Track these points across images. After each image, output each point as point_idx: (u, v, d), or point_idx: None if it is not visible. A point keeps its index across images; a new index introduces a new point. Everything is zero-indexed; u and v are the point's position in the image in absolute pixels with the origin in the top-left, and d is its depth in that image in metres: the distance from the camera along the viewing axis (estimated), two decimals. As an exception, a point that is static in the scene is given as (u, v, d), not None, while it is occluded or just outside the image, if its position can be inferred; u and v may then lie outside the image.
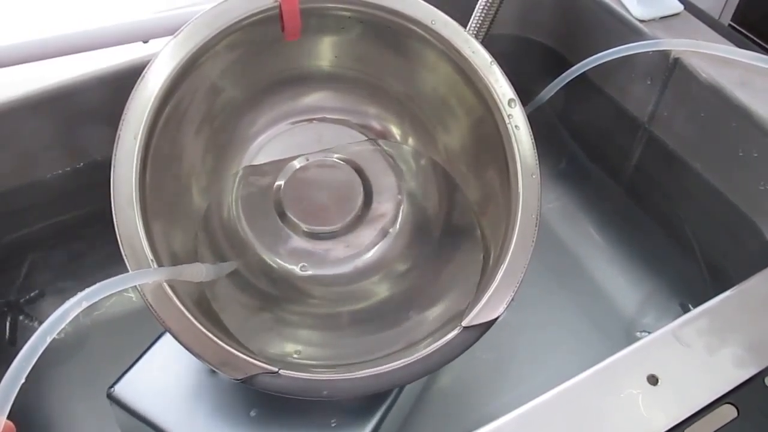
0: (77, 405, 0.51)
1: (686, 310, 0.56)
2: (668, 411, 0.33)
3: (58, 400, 0.51)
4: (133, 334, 0.43)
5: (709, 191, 0.50)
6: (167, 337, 0.40)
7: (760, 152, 0.46)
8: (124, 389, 0.38)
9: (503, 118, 0.39)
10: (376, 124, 0.47)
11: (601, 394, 0.34)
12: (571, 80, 0.53)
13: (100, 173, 0.50)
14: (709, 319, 0.37)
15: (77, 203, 0.54)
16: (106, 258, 0.54)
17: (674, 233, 0.56)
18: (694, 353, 0.35)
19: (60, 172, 0.52)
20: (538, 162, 0.38)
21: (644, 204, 0.59)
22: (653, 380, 0.34)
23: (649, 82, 0.53)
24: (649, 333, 0.56)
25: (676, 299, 0.57)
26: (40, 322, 0.54)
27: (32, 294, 0.55)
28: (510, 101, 0.39)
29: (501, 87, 0.39)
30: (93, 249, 0.56)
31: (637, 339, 0.55)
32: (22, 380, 0.24)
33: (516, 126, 0.38)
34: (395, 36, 0.41)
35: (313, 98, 0.46)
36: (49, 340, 0.25)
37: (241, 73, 0.42)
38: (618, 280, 0.59)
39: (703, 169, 0.51)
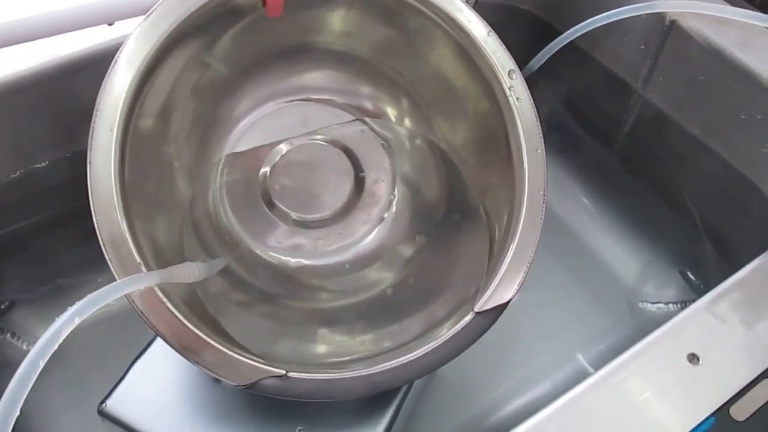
0: (64, 419, 0.48)
1: (686, 278, 0.56)
2: (713, 391, 0.32)
3: (42, 414, 0.48)
4: (118, 337, 0.40)
5: (709, 156, 0.49)
6: (158, 342, 0.38)
7: (764, 114, 0.45)
8: (117, 404, 0.35)
9: (503, 90, 0.37)
10: (369, 105, 0.45)
11: (642, 378, 0.33)
12: (560, 48, 0.51)
13: (68, 171, 0.47)
14: (741, 292, 0.36)
15: (45, 204, 0.50)
16: (80, 260, 0.51)
17: (671, 200, 0.55)
18: (731, 328, 0.34)
19: (21, 172, 0.48)
20: (542, 135, 0.37)
21: (639, 172, 0.58)
22: (694, 360, 0.33)
23: (642, 47, 0.51)
24: (651, 303, 0.56)
25: (676, 267, 0.57)
26: (12, 335, 0.51)
27: (1, 306, 0.51)
28: (510, 72, 0.37)
29: (500, 57, 0.37)
30: (64, 252, 0.52)
31: (641, 310, 0.55)
32: (17, 412, 0.22)
33: (518, 98, 0.37)
34: (386, 8, 0.38)
35: (300, 78, 0.43)
36: (42, 364, 0.22)
37: (221, 53, 0.39)
38: (615, 251, 0.58)
39: (702, 134, 0.50)
